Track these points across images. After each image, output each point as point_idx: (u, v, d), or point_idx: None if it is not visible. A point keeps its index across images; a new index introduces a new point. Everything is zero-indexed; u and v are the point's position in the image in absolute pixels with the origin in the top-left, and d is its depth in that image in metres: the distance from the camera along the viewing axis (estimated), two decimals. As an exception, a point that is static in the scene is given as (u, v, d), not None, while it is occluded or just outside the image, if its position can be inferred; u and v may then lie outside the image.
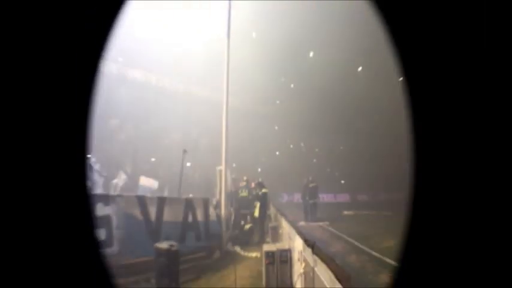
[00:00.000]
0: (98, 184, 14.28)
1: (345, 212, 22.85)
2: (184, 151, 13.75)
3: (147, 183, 15.16)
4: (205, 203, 12.64)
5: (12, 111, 1.42)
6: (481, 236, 1.63)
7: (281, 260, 9.00)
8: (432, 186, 1.66)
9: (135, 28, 14.64)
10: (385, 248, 11.53)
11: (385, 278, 8.32)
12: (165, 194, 14.50)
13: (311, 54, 29.67)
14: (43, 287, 1.53)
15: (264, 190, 14.83)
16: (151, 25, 17.25)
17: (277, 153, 29.86)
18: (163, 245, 8.82)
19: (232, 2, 14.30)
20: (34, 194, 1.49)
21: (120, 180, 15.42)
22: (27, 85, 1.44)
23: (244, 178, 16.04)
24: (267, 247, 9.64)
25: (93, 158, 12.65)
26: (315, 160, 31.50)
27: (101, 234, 9.34)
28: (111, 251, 9.40)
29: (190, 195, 13.56)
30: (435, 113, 1.67)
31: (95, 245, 1.87)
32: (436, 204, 1.65)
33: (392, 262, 9.55)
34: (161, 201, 11.17)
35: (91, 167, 12.35)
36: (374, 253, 11.57)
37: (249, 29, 22.86)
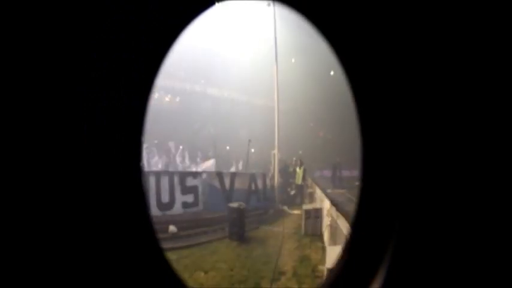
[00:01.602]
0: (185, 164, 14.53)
1: (356, 183, 22.21)
2: (249, 141, 14.21)
3: (207, 165, 15.25)
4: (263, 176, 12.96)
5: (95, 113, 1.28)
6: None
7: (315, 215, 9.21)
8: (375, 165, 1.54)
9: (214, 57, 14.92)
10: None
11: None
12: (237, 169, 14.78)
13: (332, 72, 29.35)
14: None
15: (303, 166, 14.66)
16: (224, 55, 17.43)
17: (312, 142, 29.84)
18: (234, 204, 9.21)
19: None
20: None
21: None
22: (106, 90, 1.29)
23: (294, 159, 15.91)
24: (305, 206, 9.94)
25: (185, 149, 12.98)
26: (338, 147, 31.18)
27: (190, 198, 10.22)
28: (197, 209, 10.20)
29: (253, 171, 13.84)
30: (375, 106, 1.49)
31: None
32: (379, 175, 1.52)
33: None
34: (233, 175, 11.94)
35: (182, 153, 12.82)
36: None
37: (289, 55, 22.88)
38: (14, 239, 1.21)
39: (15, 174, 1.21)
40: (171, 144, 12.69)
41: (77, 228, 1.26)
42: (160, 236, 8.28)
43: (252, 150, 14.96)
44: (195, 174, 11.13)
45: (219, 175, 11.49)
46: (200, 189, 10.53)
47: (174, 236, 8.58)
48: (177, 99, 13.63)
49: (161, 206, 9.57)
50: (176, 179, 10.13)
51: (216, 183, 11.16)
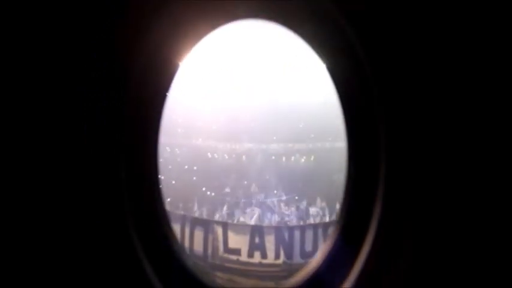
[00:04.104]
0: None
1: None
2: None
3: None
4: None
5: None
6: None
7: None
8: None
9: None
10: None
11: None
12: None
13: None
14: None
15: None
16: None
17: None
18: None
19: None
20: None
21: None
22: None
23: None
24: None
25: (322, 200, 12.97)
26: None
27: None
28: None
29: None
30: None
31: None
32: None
33: None
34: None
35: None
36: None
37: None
38: (12, 240, 1.17)
39: (16, 174, 1.16)
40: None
41: (72, 227, 1.19)
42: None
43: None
44: (339, 223, 11.02)
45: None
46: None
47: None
48: (312, 157, 14.07)
49: (304, 254, 9.73)
50: (320, 230, 10.27)
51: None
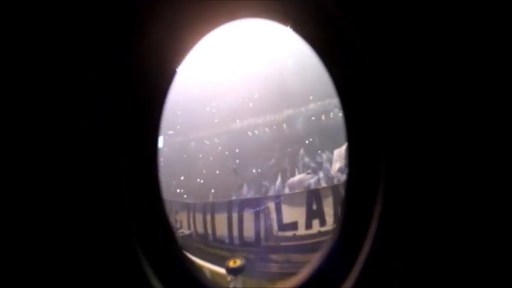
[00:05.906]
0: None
1: None
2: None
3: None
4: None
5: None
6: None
7: None
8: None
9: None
10: None
11: None
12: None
13: None
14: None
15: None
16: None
17: None
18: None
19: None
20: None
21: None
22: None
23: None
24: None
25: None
26: None
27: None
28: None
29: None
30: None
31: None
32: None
33: None
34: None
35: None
36: None
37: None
38: (11, 238, 1.16)
39: (15, 174, 1.15)
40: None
41: (71, 228, 1.17)
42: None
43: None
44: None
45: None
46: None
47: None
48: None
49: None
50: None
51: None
